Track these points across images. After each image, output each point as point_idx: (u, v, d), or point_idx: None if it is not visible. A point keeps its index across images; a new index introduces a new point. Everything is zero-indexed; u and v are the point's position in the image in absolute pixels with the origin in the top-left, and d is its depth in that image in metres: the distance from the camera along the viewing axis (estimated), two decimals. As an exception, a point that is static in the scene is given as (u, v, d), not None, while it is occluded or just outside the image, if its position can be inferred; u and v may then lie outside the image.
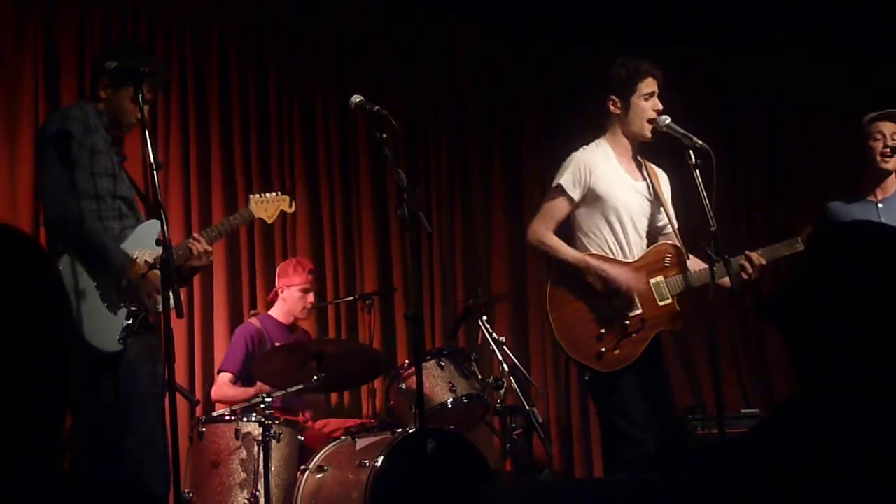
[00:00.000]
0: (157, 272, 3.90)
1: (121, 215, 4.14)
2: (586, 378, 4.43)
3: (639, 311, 4.40)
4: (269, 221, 4.91)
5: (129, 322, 3.99)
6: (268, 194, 4.87)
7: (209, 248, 4.28)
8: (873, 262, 1.78)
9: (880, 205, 5.08)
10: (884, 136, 5.05)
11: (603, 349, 4.33)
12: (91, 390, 3.89)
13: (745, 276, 4.38)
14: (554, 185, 4.53)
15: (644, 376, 4.42)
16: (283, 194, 4.92)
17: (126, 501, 1.46)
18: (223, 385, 5.81)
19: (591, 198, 4.49)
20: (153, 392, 4.01)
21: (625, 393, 4.35)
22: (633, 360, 4.35)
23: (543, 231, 4.49)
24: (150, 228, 4.09)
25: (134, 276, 4.00)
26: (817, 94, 7.56)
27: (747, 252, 4.42)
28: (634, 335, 4.36)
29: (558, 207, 4.51)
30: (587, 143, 4.60)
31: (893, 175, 5.13)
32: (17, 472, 1.34)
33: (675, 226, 4.61)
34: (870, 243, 1.82)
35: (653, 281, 4.46)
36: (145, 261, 4.04)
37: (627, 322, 4.37)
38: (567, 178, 4.48)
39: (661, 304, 4.43)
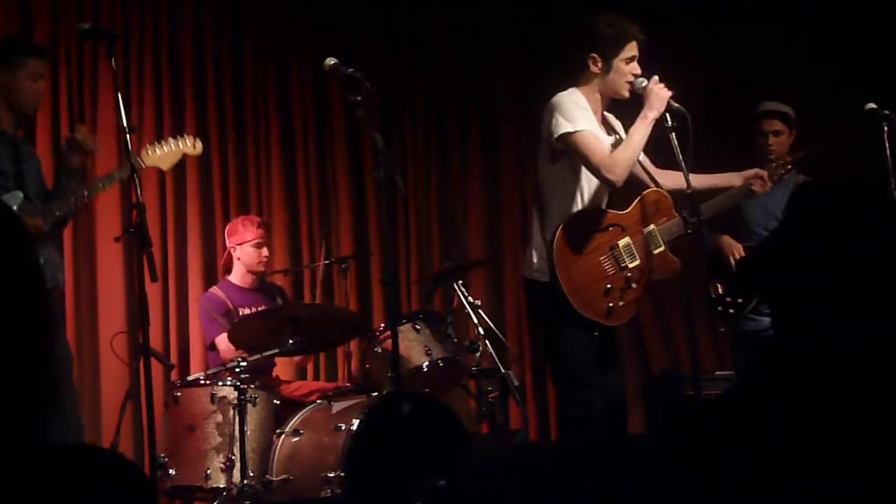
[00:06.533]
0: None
1: None
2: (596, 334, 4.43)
3: (638, 262, 4.40)
4: (165, 169, 4.81)
5: None
6: (166, 142, 4.72)
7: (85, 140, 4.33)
8: (837, 222, 1.81)
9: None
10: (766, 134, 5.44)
11: (611, 304, 4.33)
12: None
13: (754, 188, 4.58)
14: (573, 131, 4.27)
15: (600, 340, 4.42)
16: (182, 138, 4.76)
17: (102, 467, 1.45)
18: (225, 344, 5.70)
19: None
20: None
21: (583, 353, 4.35)
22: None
23: (608, 160, 4.28)
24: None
25: None
26: (794, 67, 7.54)
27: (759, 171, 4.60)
28: (634, 286, 4.37)
29: (596, 143, 4.31)
30: (561, 91, 4.43)
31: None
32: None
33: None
34: (830, 205, 1.86)
35: (646, 230, 4.43)
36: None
37: (629, 274, 4.37)
38: (579, 120, 4.30)
39: (656, 252, 4.41)
